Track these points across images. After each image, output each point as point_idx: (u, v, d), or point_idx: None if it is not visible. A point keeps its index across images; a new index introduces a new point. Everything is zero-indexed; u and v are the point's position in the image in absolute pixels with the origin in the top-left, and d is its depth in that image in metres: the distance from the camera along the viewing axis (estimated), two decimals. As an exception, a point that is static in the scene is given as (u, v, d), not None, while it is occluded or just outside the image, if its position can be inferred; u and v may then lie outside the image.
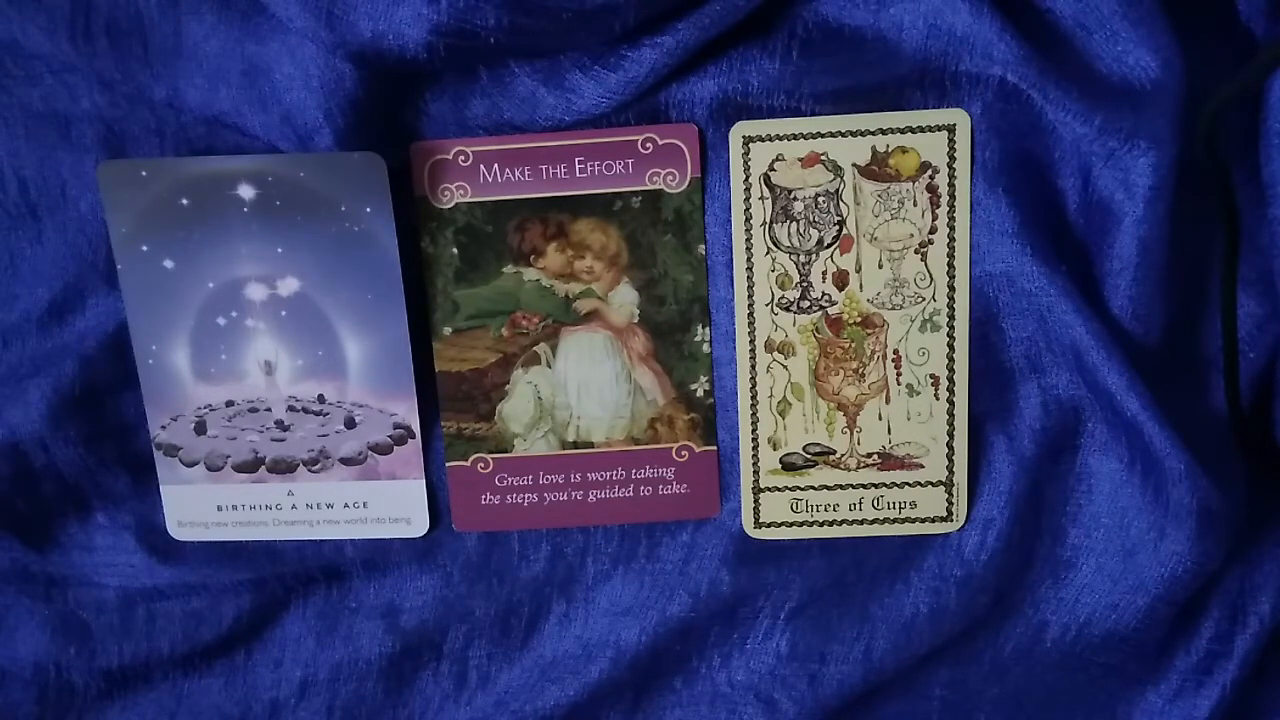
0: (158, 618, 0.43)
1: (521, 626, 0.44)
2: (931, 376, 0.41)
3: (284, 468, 0.42)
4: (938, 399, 0.41)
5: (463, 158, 0.40)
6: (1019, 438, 0.42)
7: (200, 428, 0.42)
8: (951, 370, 0.41)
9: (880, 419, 0.41)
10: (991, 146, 0.39)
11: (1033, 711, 0.44)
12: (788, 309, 0.41)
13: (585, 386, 0.42)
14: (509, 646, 0.44)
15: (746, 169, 0.39)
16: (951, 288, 0.40)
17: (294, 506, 0.43)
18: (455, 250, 0.41)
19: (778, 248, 0.40)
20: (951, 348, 0.41)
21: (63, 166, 0.40)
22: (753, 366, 0.41)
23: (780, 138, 0.39)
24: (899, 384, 0.41)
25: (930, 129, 0.39)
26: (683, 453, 0.42)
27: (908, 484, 0.42)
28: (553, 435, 0.42)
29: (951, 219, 0.40)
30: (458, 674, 0.44)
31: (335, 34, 0.35)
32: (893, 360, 0.41)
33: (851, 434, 0.42)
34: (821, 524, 0.42)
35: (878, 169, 0.39)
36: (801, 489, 0.42)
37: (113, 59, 0.38)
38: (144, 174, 0.39)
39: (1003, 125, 0.39)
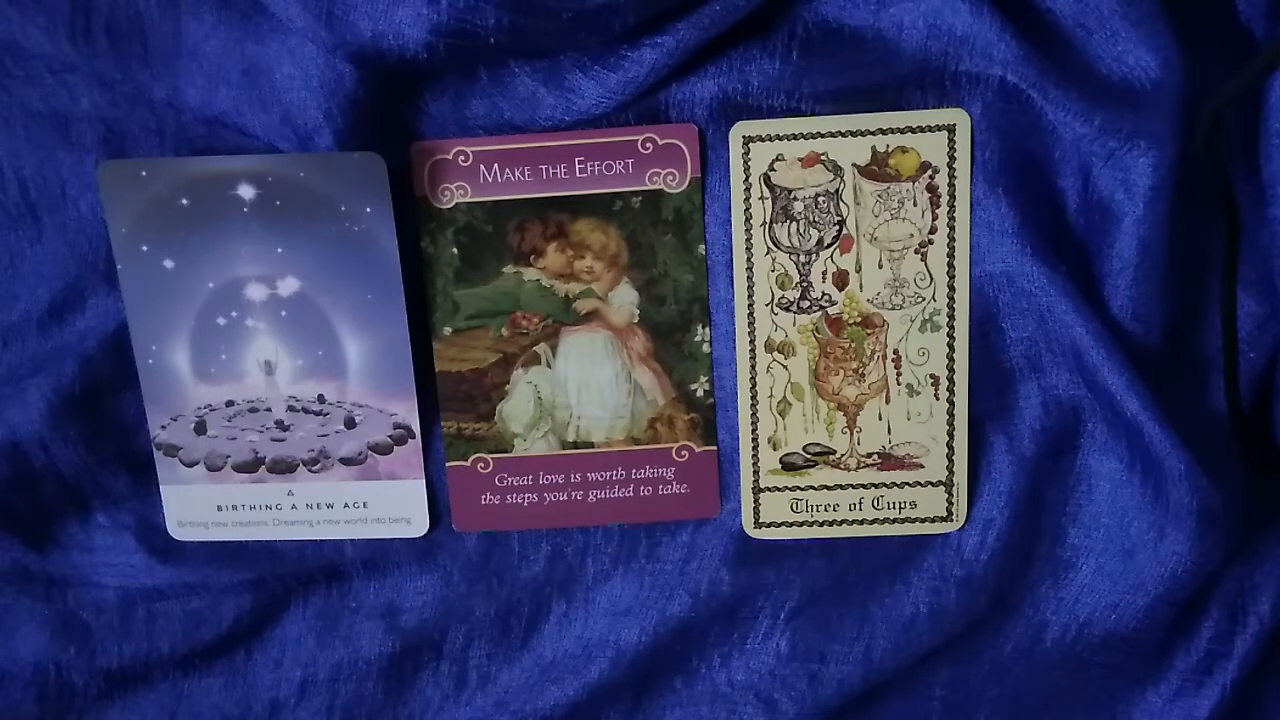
0: (158, 618, 0.43)
1: (521, 626, 0.44)
2: (931, 376, 0.41)
3: (284, 468, 0.42)
4: (938, 399, 0.41)
5: (463, 158, 0.40)
6: (1019, 438, 0.42)
7: (200, 428, 0.42)
8: (951, 370, 0.41)
9: (880, 419, 0.41)
10: (991, 146, 0.39)
11: (1033, 711, 0.44)
12: (788, 309, 0.41)
13: (585, 386, 0.42)
14: (509, 646, 0.44)
15: (746, 169, 0.39)
16: (951, 288, 0.40)
17: (294, 506, 0.43)
18: (455, 250, 0.41)
19: (778, 248, 0.40)
20: (951, 348, 0.41)
21: (63, 166, 0.40)
22: (753, 366, 0.41)
23: (780, 138, 0.39)
24: (899, 384, 0.41)
25: (930, 129, 0.39)
26: (683, 453, 0.42)
27: (908, 484, 0.42)
28: (553, 435, 0.42)
29: (951, 219, 0.40)
30: (458, 674, 0.44)
31: (335, 34, 0.35)
32: (893, 360, 0.41)
33: (851, 434, 0.42)
34: (821, 524, 0.42)
35: (878, 169, 0.39)
36: (801, 489, 0.42)
37: (113, 59, 0.38)
38: (144, 174, 0.39)
39: (1003, 125, 0.39)
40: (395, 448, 0.42)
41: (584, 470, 0.43)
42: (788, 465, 0.42)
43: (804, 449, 0.42)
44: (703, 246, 0.41)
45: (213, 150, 0.40)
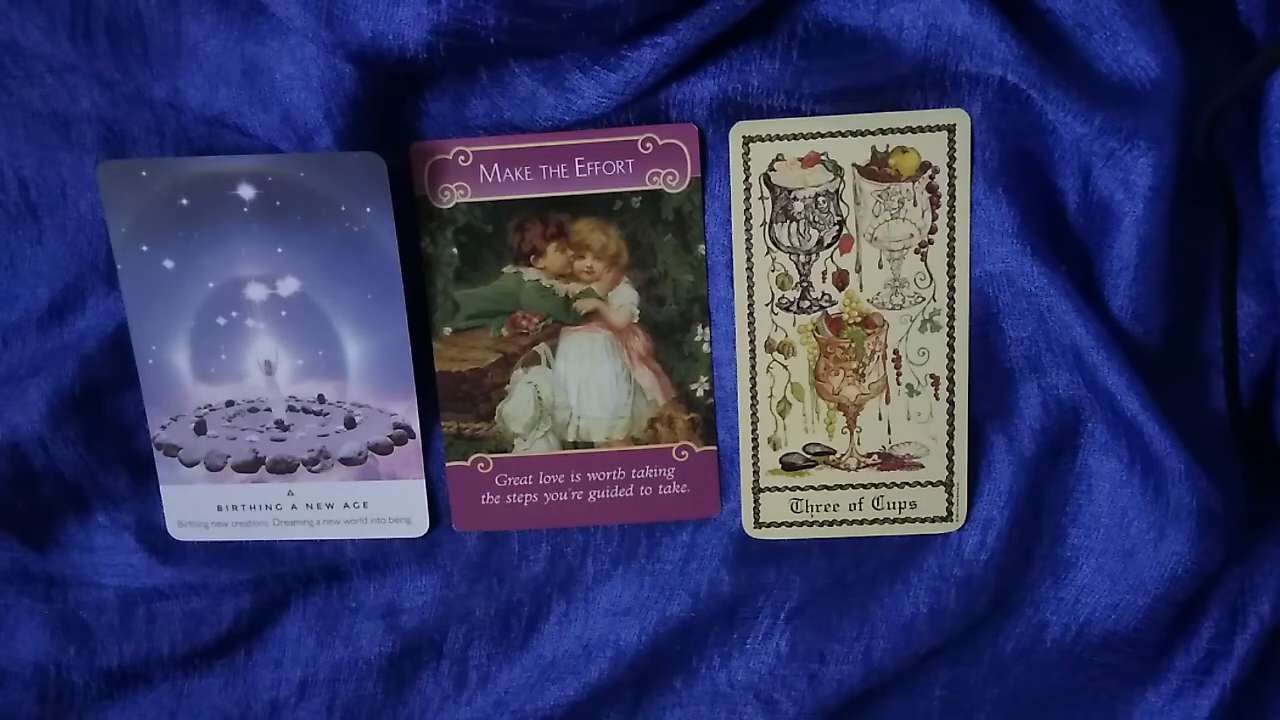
0: (158, 618, 0.43)
1: (521, 626, 0.44)
2: (931, 376, 0.41)
3: (284, 468, 0.42)
4: (938, 399, 0.41)
5: (463, 158, 0.40)
6: (1019, 438, 0.42)
7: (200, 428, 0.42)
8: (951, 370, 0.41)
9: (880, 419, 0.41)
10: (991, 146, 0.39)
11: (1033, 711, 0.44)
12: (788, 309, 0.41)
13: (585, 386, 0.42)
14: (509, 646, 0.44)
15: (746, 169, 0.39)
16: (951, 288, 0.40)
17: (294, 506, 0.43)
18: (455, 250, 0.41)
19: (778, 248, 0.40)
20: (951, 348, 0.41)
21: (63, 166, 0.40)
22: (753, 366, 0.41)
23: (780, 138, 0.39)
24: (899, 384, 0.41)
25: (930, 129, 0.39)
26: (683, 453, 0.42)
27: (908, 484, 0.42)
28: (553, 435, 0.42)
29: (951, 219, 0.40)
30: (458, 674, 0.44)
31: (335, 34, 0.35)
32: (893, 360, 0.41)
33: (851, 434, 0.42)
34: (821, 524, 0.42)
35: (878, 169, 0.39)
36: (801, 489, 0.42)
37: (113, 59, 0.38)
38: (144, 174, 0.39)
39: (1003, 125, 0.39)
40: (395, 448, 0.42)
41: (584, 470, 0.43)
42: (788, 465, 0.42)
43: (804, 449, 0.42)
44: (703, 246, 0.41)
45: (213, 150, 0.40)
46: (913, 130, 0.39)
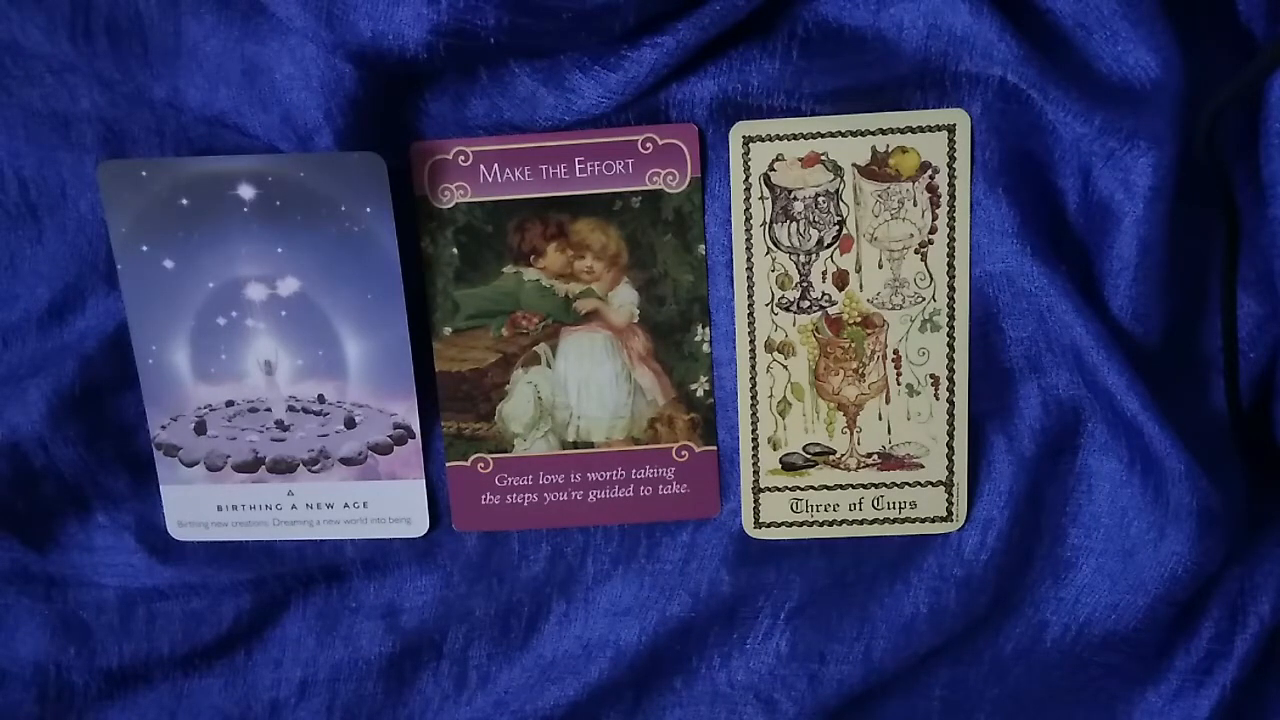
0: (158, 618, 0.43)
1: (521, 626, 0.44)
2: (931, 376, 0.41)
3: (284, 468, 0.42)
4: (938, 399, 0.41)
5: (463, 158, 0.40)
6: (1019, 438, 0.42)
7: (200, 428, 0.42)
8: (951, 370, 0.41)
9: (880, 419, 0.41)
10: (991, 146, 0.39)
11: (1033, 711, 0.44)
12: (788, 309, 0.41)
13: (585, 386, 0.42)
14: (509, 646, 0.44)
15: (746, 169, 0.39)
16: (951, 288, 0.40)
17: (294, 506, 0.43)
18: (455, 250, 0.41)
19: (778, 248, 0.40)
20: (951, 348, 0.41)
21: (63, 166, 0.40)
22: (753, 366, 0.41)
23: (780, 138, 0.39)
24: (899, 384, 0.41)
25: (930, 129, 0.39)
26: (683, 453, 0.42)
27: (908, 484, 0.42)
28: (553, 435, 0.42)
29: (951, 219, 0.40)
30: (458, 674, 0.44)
31: (335, 34, 0.35)
32: (893, 360, 0.41)
33: (851, 434, 0.42)
34: (821, 524, 0.42)
35: (878, 169, 0.39)
36: (801, 489, 0.42)
37: (113, 59, 0.38)
38: (144, 174, 0.39)
39: (1003, 125, 0.39)
40: (395, 448, 0.42)
41: (584, 470, 0.43)
42: (788, 465, 0.42)
43: (804, 449, 0.42)
44: (703, 246, 0.41)
45: (213, 150, 0.40)
46: (913, 130, 0.39)
